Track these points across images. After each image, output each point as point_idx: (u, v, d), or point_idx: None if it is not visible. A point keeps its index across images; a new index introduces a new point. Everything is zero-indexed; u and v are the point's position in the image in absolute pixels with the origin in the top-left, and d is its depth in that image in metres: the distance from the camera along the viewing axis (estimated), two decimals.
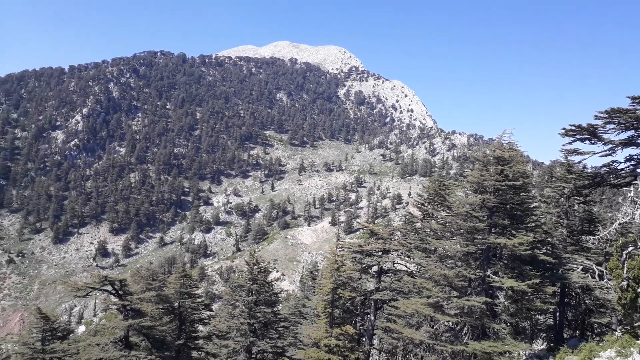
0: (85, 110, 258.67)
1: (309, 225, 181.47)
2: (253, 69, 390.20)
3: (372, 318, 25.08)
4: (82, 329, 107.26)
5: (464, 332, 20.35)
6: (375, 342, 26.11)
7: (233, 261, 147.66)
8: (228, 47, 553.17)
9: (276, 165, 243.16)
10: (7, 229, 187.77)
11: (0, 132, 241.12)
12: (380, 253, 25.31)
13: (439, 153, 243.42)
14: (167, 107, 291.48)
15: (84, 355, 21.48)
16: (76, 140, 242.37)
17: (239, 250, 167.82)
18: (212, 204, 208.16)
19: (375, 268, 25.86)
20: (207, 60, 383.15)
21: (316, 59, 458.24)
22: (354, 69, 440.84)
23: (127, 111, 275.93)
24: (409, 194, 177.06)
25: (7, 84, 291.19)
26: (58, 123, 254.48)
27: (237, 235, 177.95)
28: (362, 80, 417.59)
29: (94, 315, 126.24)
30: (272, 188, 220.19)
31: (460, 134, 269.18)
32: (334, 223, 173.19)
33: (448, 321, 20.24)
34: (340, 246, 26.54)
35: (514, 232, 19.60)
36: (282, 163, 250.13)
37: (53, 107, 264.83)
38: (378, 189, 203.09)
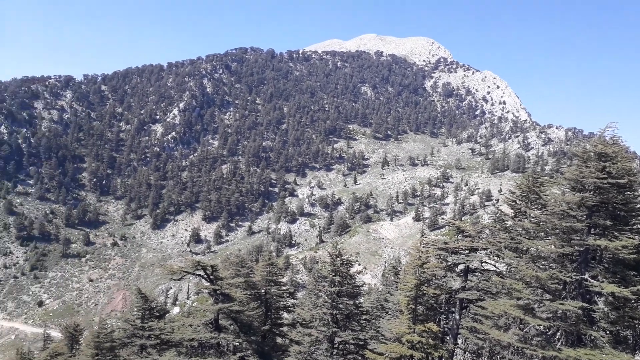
0: (181, 105, 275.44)
1: (391, 220, 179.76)
2: (338, 63, 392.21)
3: (457, 317, 24.41)
4: (176, 310, 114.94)
5: (557, 337, 19.19)
6: (459, 341, 25.40)
7: (316, 252, 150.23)
8: (315, 41, 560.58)
9: (359, 159, 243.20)
10: (112, 215, 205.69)
11: (108, 125, 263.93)
12: (467, 251, 24.50)
13: (533, 148, 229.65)
14: (257, 101, 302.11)
15: (178, 334, 22.94)
16: (173, 133, 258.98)
17: (322, 241, 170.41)
18: (297, 196, 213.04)
19: (461, 266, 25.09)
20: (294, 55, 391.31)
21: (402, 51, 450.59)
22: (442, 60, 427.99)
23: (219, 106, 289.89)
24: (500, 191, 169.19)
25: (113, 81, 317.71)
26: (157, 117, 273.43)
27: (320, 227, 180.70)
28: (451, 72, 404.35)
29: (187, 298, 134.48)
30: (355, 181, 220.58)
31: (557, 128, 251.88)
32: (417, 219, 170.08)
33: (539, 325, 19.17)
34: (424, 242, 26.04)
35: (616, 233, 18.08)
36: (365, 157, 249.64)
37: (153, 102, 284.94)
38: (466, 185, 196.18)
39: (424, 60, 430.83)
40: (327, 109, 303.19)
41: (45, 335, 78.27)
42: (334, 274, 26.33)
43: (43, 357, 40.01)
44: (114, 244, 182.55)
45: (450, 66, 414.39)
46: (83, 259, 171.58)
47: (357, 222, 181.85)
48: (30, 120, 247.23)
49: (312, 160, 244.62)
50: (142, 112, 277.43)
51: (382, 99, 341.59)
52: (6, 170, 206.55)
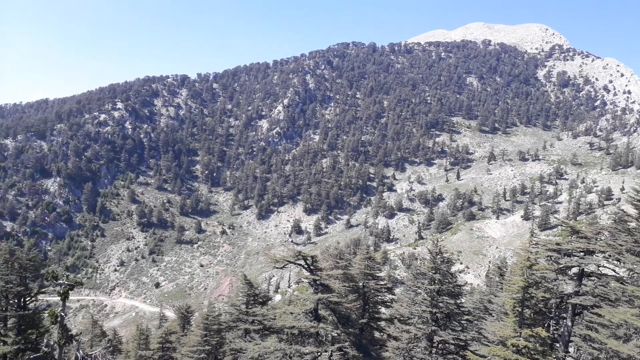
0: (285, 101, 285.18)
1: (497, 218, 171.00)
2: (442, 54, 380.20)
3: (569, 323, 22.66)
4: (278, 297, 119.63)
5: None
6: (571, 349, 23.59)
7: (415, 248, 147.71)
8: (417, 33, 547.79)
9: (463, 153, 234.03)
10: (221, 205, 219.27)
11: (218, 120, 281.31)
12: (582, 253, 22.61)
13: None
14: (357, 96, 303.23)
15: (279, 321, 23.84)
16: (278, 128, 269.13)
17: (421, 238, 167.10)
18: (395, 191, 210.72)
19: (575, 270, 23.22)
20: (396, 48, 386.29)
21: (512, 39, 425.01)
22: (556, 47, 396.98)
23: (321, 101, 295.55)
24: (622, 189, 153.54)
25: (223, 79, 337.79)
26: (263, 113, 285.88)
27: (419, 223, 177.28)
28: (567, 60, 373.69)
29: (289, 286, 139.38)
30: (458, 177, 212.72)
31: None
32: (526, 217, 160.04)
33: None
34: (534, 242, 24.48)
35: None
36: (469, 151, 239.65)
37: (259, 99, 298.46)
38: (582, 182, 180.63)
39: (537, 48, 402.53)
40: (429, 101, 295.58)
41: (161, 314, 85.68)
42: (434, 272, 25.74)
43: (159, 335, 43.84)
44: (223, 232, 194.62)
45: (566, 54, 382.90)
46: (195, 246, 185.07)
47: (459, 220, 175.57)
48: (150, 116, 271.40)
49: (411, 154, 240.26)
50: (249, 108, 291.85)
51: (489, 90, 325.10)
52: (130, 162, 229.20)
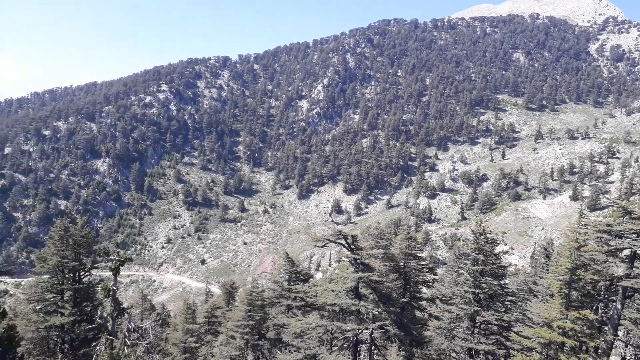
0: (325, 81, 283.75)
1: (544, 198, 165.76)
2: (487, 29, 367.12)
3: (619, 307, 21.96)
4: (319, 275, 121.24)
5: None
6: (620, 333, 22.92)
7: (458, 229, 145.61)
8: (461, 8, 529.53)
9: (508, 132, 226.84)
10: (263, 184, 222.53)
11: (260, 101, 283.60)
12: (634, 235, 21.75)
13: None
14: (398, 74, 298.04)
15: (321, 298, 24.19)
16: (317, 108, 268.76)
17: (464, 218, 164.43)
18: (437, 170, 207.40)
19: (626, 252, 22.38)
20: (439, 24, 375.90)
21: (562, 12, 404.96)
22: (610, 19, 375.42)
23: (361, 80, 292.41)
24: None
25: (264, 60, 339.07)
26: (303, 93, 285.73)
27: (462, 203, 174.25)
28: (622, 33, 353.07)
29: (329, 265, 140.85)
30: (503, 156, 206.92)
31: None
32: (575, 198, 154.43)
33: None
34: (582, 223, 23.69)
35: None
36: (515, 129, 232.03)
37: (299, 79, 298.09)
38: (636, 161, 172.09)
39: (589, 21, 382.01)
40: (473, 78, 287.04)
41: (207, 290, 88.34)
42: (477, 252, 25.42)
43: (205, 309, 45.40)
44: (265, 211, 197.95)
45: (621, 26, 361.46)
46: (238, 224, 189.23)
47: (504, 200, 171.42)
48: (194, 97, 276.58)
49: (455, 133, 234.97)
50: (289, 88, 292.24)
51: (536, 65, 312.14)
52: (175, 143, 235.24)
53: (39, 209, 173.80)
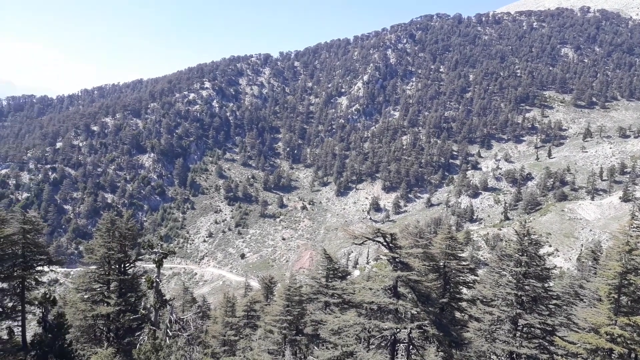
0: (365, 77, 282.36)
1: (592, 199, 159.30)
2: (534, 24, 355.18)
3: None
4: (356, 273, 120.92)
5: None
6: None
7: (500, 229, 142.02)
8: (507, 2, 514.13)
9: (555, 130, 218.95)
10: (302, 181, 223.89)
11: (299, 98, 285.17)
12: None
13: None
14: (440, 70, 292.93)
15: (358, 296, 24.09)
16: (357, 105, 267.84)
17: (507, 218, 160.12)
18: (480, 169, 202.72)
19: None
20: (483, 18, 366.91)
21: (615, 5, 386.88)
22: None
23: (402, 76, 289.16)
24: None
25: (304, 57, 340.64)
26: (343, 90, 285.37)
27: (505, 202, 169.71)
28: None
29: (367, 263, 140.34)
30: (549, 155, 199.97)
31: None
32: (626, 199, 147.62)
33: None
34: (634, 226, 22.61)
35: None
36: (562, 127, 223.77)
37: (339, 76, 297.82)
38: None
39: None
40: (518, 74, 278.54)
41: (246, 284, 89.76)
42: (520, 254, 24.71)
43: (244, 303, 46.14)
44: (303, 208, 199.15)
45: None
46: (277, 220, 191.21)
47: (549, 200, 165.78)
48: (235, 95, 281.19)
49: (499, 131, 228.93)
50: (329, 85, 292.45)
51: (586, 61, 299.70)
52: (217, 139, 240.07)
53: (87, 201, 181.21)
